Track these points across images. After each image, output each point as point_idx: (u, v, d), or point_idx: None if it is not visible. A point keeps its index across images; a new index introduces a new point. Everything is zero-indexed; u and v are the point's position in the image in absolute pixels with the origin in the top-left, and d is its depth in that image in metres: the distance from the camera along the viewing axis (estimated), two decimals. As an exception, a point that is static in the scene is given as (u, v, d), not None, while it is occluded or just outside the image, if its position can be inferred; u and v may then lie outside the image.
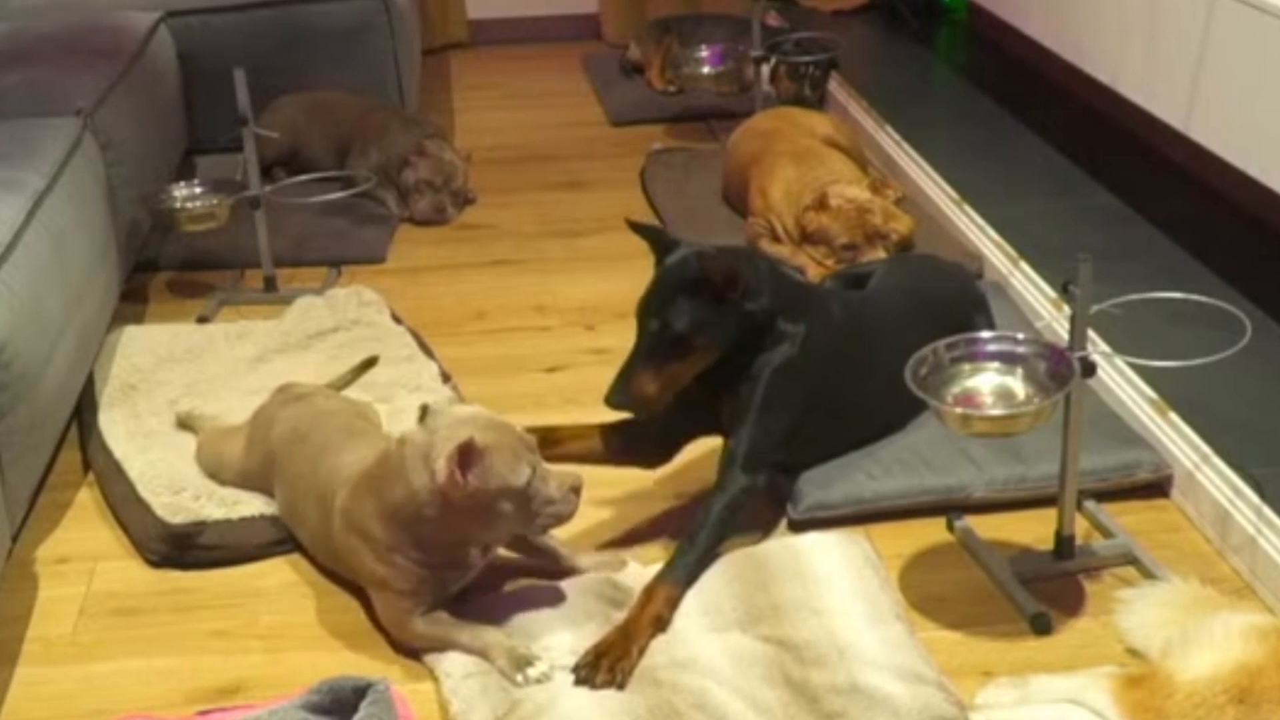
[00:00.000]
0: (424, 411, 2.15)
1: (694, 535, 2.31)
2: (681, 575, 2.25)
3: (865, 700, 2.00)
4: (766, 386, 2.42)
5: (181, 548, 2.46)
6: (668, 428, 2.50)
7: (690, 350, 2.36)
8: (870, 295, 2.77)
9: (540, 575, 2.34)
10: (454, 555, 2.18)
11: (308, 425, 2.47)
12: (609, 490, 2.59)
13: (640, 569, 2.34)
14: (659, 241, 2.46)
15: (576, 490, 2.15)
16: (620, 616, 2.20)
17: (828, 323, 2.52)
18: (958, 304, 2.81)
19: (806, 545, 2.34)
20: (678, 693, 2.04)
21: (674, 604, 2.22)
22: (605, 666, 2.09)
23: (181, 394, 2.92)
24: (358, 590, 2.30)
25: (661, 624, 2.18)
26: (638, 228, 2.49)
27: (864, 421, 2.63)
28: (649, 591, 2.22)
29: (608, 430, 2.50)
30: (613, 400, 2.35)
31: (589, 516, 2.50)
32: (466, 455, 2.04)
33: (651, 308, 2.37)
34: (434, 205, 3.95)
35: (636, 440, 2.51)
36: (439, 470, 2.05)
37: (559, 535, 2.35)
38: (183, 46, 4.15)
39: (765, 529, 2.47)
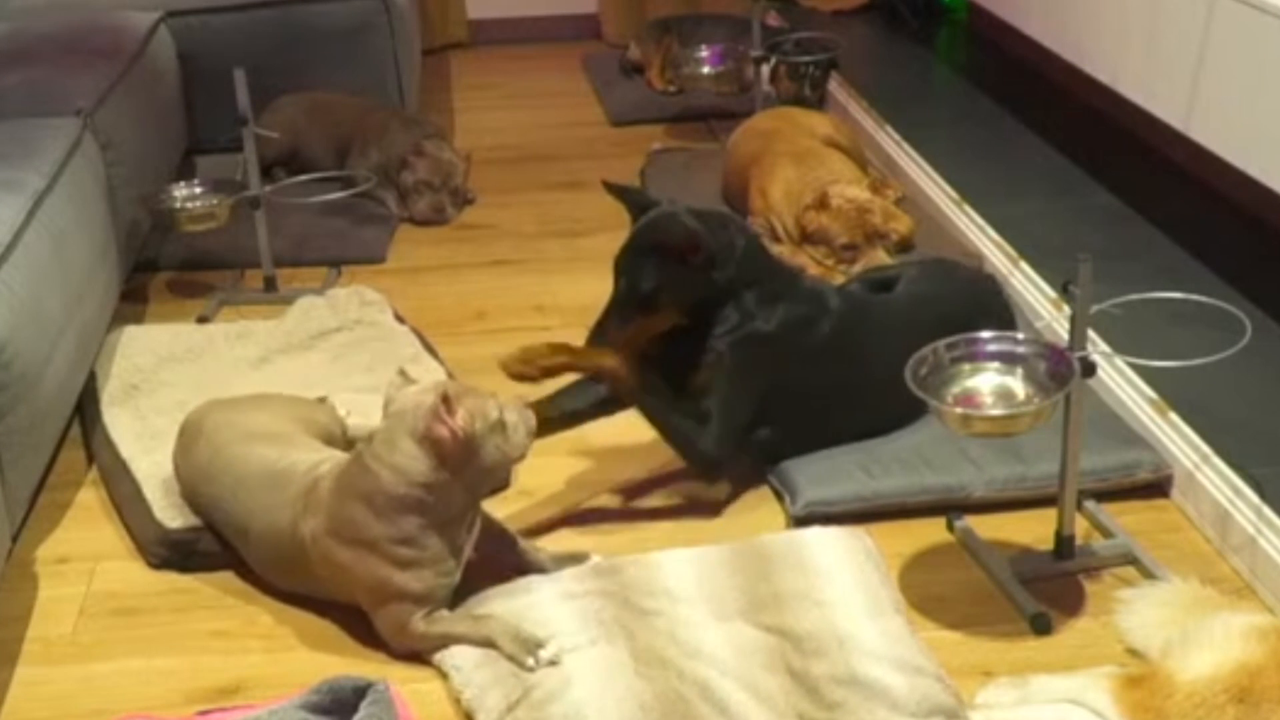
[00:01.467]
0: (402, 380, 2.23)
1: (671, 410, 2.46)
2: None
3: (864, 691, 2.01)
4: (730, 362, 2.49)
5: (182, 554, 2.45)
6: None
7: (656, 307, 2.50)
8: (885, 299, 2.77)
9: (508, 574, 2.33)
10: (456, 526, 2.17)
11: (213, 496, 2.41)
12: (579, 481, 2.63)
13: (604, 561, 2.35)
14: (635, 202, 2.59)
15: (528, 405, 2.26)
16: (619, 594, 2.23)
17: (816, 313, 2.55)
18: (980, 319, 2.74)
19: (809, 538, 2.35)
20: (683, 680, 2.05)
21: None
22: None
23: (189, 394, 2.92)
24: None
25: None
26: (613, 189, 2.61)
27: (860, 420, 2.64)
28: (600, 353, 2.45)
29: (550, 400, 2.56)
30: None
31: (554, 504, 2.56)
32: (449, 404, 2.10)
33: (622, 266, 2.52)
34: (433, 205, 3.95)
35: (581, 400, 2.56)
36: (433, 429, 2.09)
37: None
38: (183, 46, 4.15)
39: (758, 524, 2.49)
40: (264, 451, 2.36)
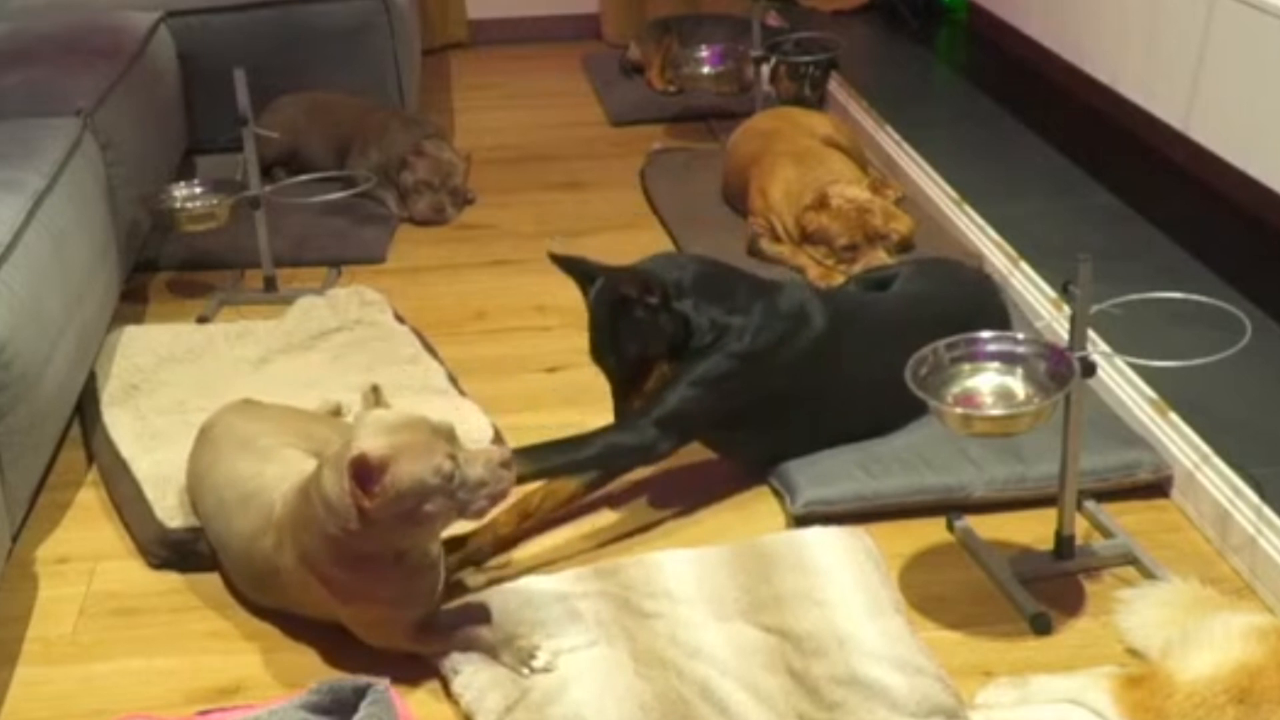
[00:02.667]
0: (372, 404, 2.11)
1: (577, 446, 2.44)
2: (532, 467, 2.35)
3: (864, 691, 2.01)
4: (707, 364, 2.49)
5: (182, 554, 2.45)
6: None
7: (651, 361, 2.52)
8: (878, 299, 2.77)
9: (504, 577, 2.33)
10: (412, 560, 2.09)
11: (203, 515, 2.39)
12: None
13: (603, 562, 2.35)
14: (581, 274, 2.59)
15: (506, 465, 2.03)
16: (619, 595, 2.23)
17: (796, 325, 2.55)
18: (977, 319, 2.72)
19: (809, 538, 2.36)
20: (683, 680, 2.06)
21: (523, 482, 2.31)
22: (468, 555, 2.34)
23: (189, 394, 2.92)
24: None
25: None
26: (560, 261, 2.60)
27: (855, 421, 2.64)
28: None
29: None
30: None
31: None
32: (362, 470, 1.94)
33: (603, 347, 2.55)
34: (433, 205, 3.95)
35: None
36: (344, 491, 1.97)
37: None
38: (183, 46, 4.15)
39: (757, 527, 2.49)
40: (244, 466, 2.31)
